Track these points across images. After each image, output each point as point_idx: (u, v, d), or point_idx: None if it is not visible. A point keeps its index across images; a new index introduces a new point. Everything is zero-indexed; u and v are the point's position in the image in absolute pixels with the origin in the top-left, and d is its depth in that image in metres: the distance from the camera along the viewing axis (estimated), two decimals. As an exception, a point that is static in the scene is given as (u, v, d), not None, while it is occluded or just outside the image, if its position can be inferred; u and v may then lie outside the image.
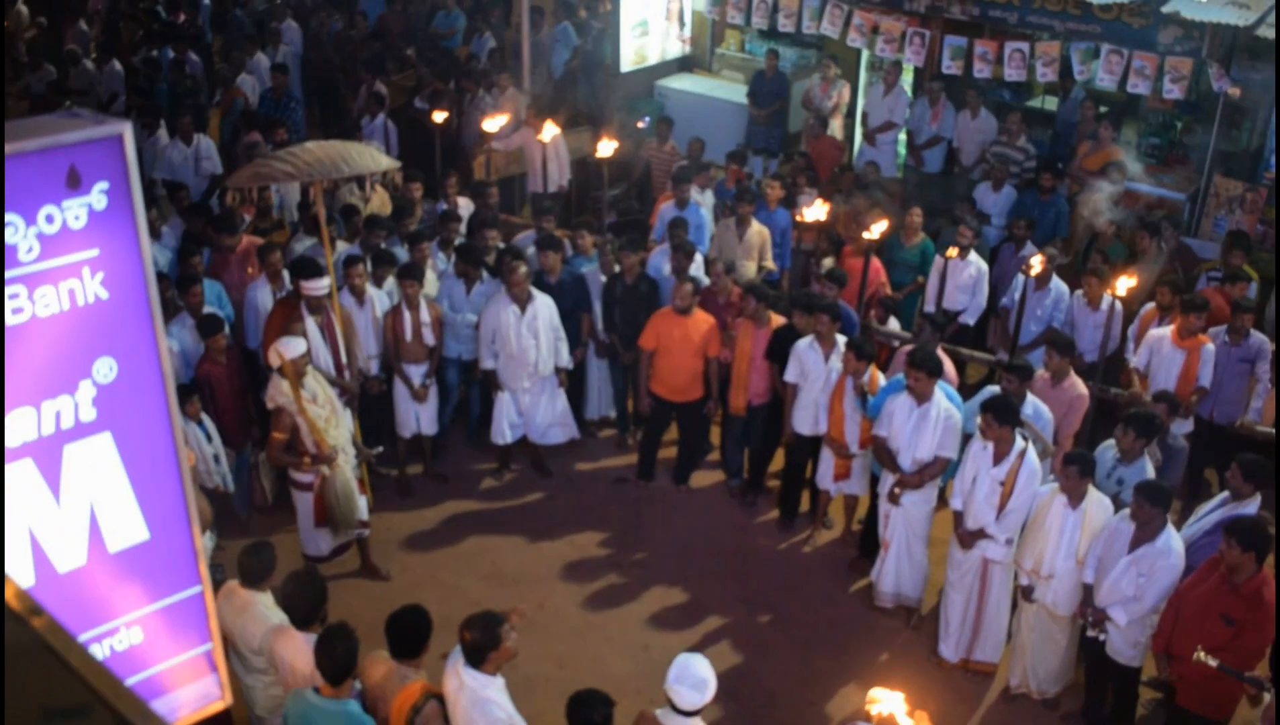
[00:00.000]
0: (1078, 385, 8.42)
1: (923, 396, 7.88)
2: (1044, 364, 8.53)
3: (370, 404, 9.34)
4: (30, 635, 1.37)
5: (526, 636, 5.66)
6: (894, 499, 8.10)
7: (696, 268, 10.09)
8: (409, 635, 5.58)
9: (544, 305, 9.33)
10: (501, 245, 10.21)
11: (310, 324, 8.53)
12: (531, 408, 9.66)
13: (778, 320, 9.21)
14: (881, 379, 8.56)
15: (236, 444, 8.89)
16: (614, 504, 9.74)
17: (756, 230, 10.94)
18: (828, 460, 8.88)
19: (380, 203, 11.24)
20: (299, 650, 5.69)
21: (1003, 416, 7.35)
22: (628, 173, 13.79)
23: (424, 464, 9.95)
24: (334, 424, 7.97)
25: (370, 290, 9.32)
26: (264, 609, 6.07)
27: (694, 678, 5.27)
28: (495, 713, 5.29)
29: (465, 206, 11.18)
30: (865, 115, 13.80)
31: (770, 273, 10.90)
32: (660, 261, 10.27)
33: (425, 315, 9.24)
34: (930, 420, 7.87)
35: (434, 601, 6.02)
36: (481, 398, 10.07)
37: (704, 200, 11.68)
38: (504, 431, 9.70)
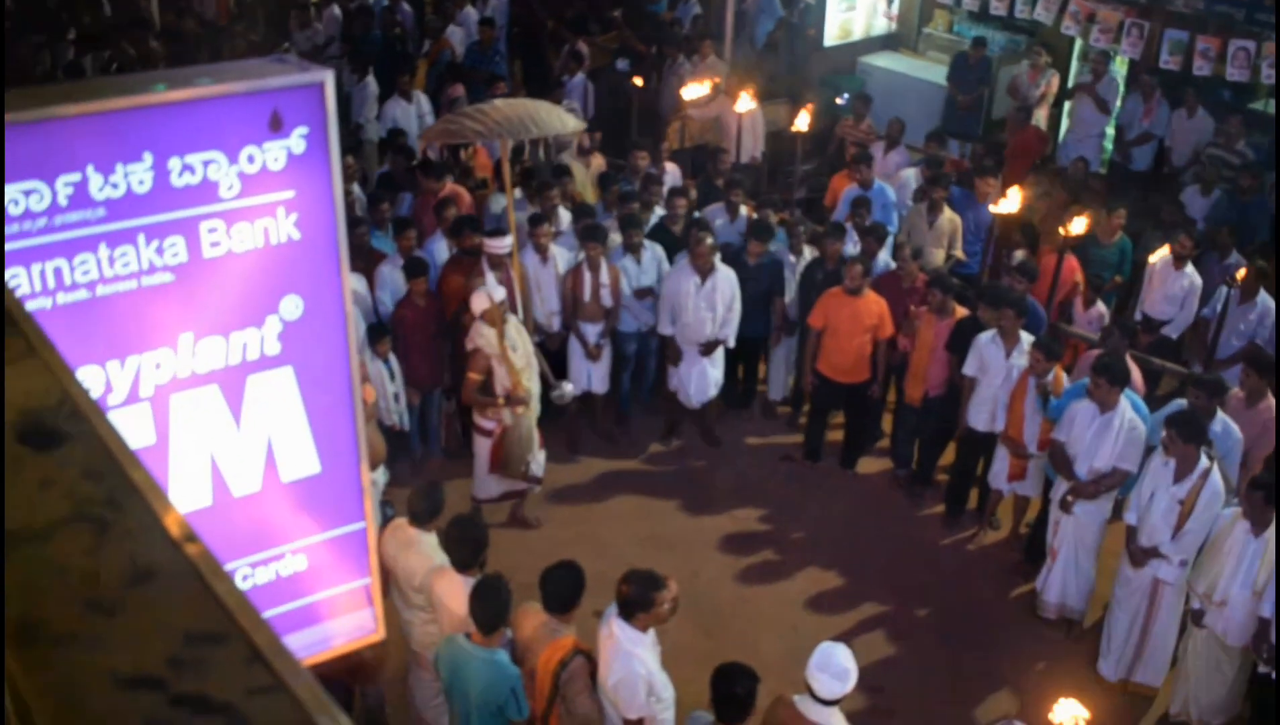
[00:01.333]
0: (1274, 407, 7.97)
1: (1106, 404, 7.57)
2: (1240, 382, 8.10)
3: (550, 358, 9.45)
4: (182, 561, 1.42)
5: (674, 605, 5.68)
6: (1066, 507, 7.82)
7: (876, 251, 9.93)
8: (562, 590, 5.66)
9: (724, 278, 9.29)
10: (694, 214, 10.20)
11: (490, 279, 8.69)
12: (697, 373, 9.65)
13: (961, 312, 8.98)
14: (1067, 381, 8.28)
15: (424, 387, 9.13)
16: (778, 481, 9.69)
17: (948, 217, 10.68)
18: (1002, 458, 8.64)
19: (599, 165, 11.36)
20: (456, 593, 5.82)
21: (1187, 433, 7.01)
22: (823, 148, 13.62)
23: (594, 421, 10.06)
24: (528, 375, 8.15)
25: (554, 249, 9.45)
26: (428, 548, 6.23)
27: (836, 667, 5.21)
28: (635, 667, 5.36)
29: (673, 173, 11.21)
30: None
31: (963, 263, 10.64)
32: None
33: (605, 277, 9.31)
34: (1113, 429, 7.56)
35: (589, 559, 6.09)
36: (658, 363, 10.10)
37: (908, 179, 11.43)
38: (679, 387, 9.74)
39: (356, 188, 10.46)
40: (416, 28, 15.94)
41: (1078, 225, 9.27)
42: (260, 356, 3.56)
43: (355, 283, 8.75)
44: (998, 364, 8.46)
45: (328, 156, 3.46)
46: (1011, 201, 9.36)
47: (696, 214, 10.21)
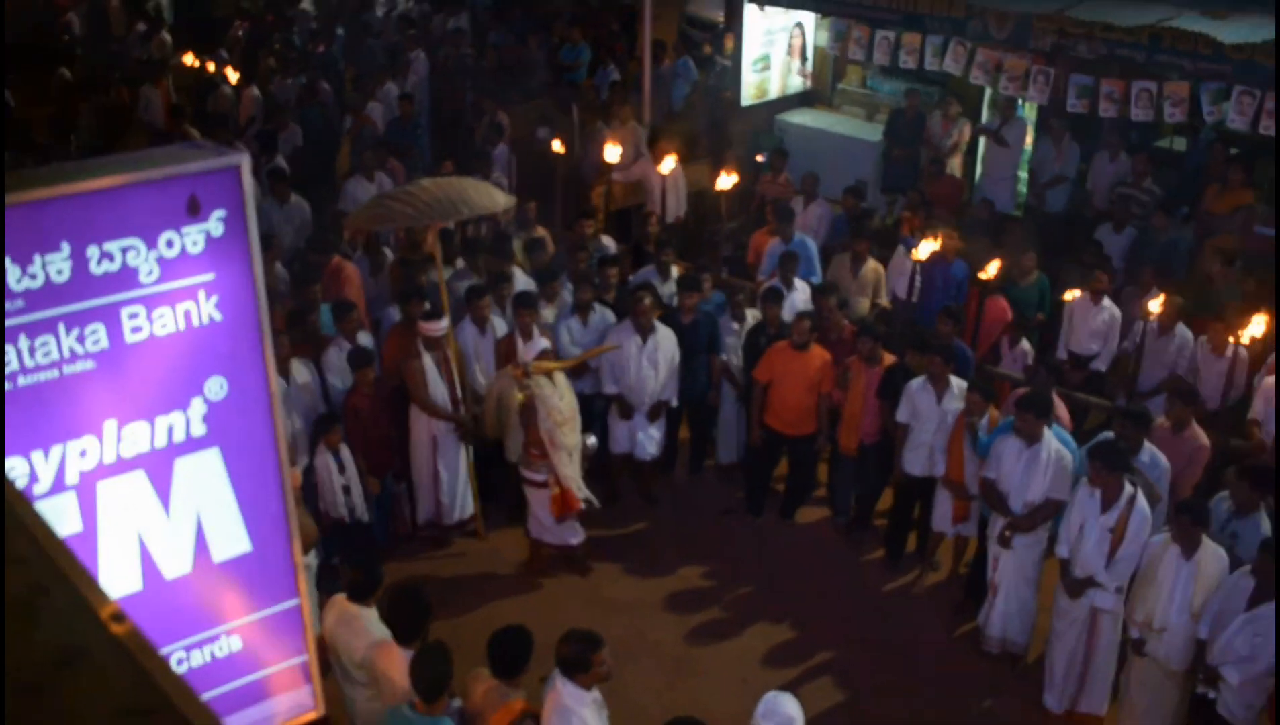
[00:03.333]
0: (1199, 435, 8.17)
1: (1032, 437, 7.75)
2: (1165, 412, 8.31)
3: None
4: (111, 640, 1.45)
5: (625, 665, 5.71)
6: (1004, 542, 7.96)
7: (805, 301, 10.09)
8: (509, 654, 5.67)
9: (665, 337, 9.42)
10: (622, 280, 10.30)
11: (427, 360, 8.81)
12: (640, 433, 9.73)
13: (889, 358, 9.15)
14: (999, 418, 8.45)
15: (379, 473, 9.04)
16: (719, 536, 9.75)
17: (872, 267, 10.90)
18: (944, 502, 8.78)
19: (542, 235, 11.44)
20: (399, 666, 5.78)
21: (1111, 462, 7.19)
22: (745, 206, 13.83)
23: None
24: (571, 427, 8.52)
25: (495, 319, 9.54)
26: (368, 624, 6.19)
27: (781, 715, 5.25)
28: (574, 723, 5.36)
29: (609, 243, 11.39)
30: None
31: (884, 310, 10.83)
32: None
33: (538, 343, 9.35)
34: (1040, 462, 7.73)
35: (535, 623, 6.09)
36: (601, 427, 10.10)
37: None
38: (620, 443, 9.82)
39: (280, 267, 10.47)
40: (337, 105, 16.03)
41: (991, 268, 9.52)
42: (186, 438, 3.58)
43: (302, 369, 8.76)
44: (929, 409, 8.62)
45: (246, 237, 3.51)
46: (926, 248, 9.59)
47: (631, 278, 10.33)
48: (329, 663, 6.31)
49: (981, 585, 8.55)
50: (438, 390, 8.90)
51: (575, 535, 9.04)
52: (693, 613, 8.84)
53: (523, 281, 10.19)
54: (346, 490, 8.55)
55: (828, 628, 8.70)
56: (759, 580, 9.21)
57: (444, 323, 8.79)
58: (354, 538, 8.58)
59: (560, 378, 8.59)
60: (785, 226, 11.18)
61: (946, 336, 9.07)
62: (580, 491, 8.72)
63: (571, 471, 8.63)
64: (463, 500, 9.40)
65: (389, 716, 5.63)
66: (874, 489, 9.62)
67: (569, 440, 8.56)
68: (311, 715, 3.91)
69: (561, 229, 11.76)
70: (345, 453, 8.58)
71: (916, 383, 8.69)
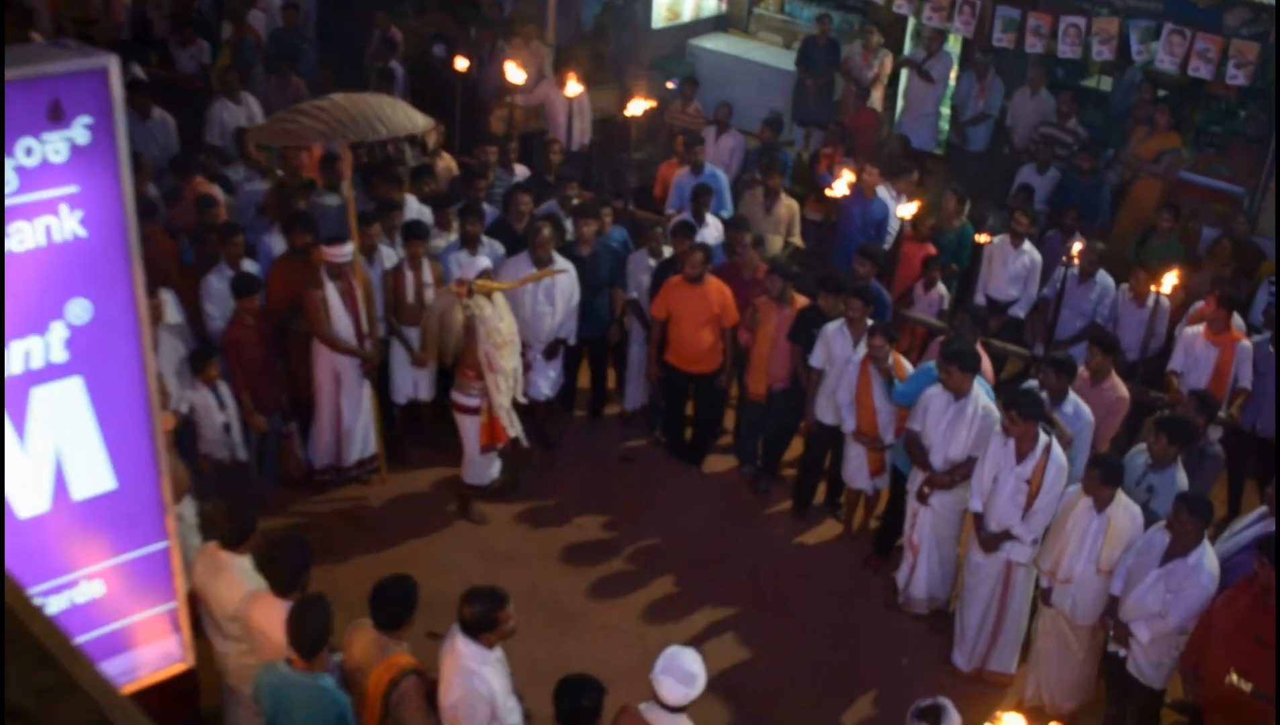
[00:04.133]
0: (1118, 387, 8.38)
1: (959, 391, 7.87)
2: (1085, 362, 8.49)
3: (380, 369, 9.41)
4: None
5: (519, 617, 5.72)
6: (923, 498, 8.11)
7: (716, 237, 10.12)
8: (393, 606, 5.63)
9: (561, 265, 9.36)
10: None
11: (330, 290, 8.65)
12: (535, 372, 9.71)
13: (801, 300, 9.22)
14: (906, 365, 8.58)
15: (268, 413, 8.92)
16: (619, 485, 9.80)
17: (786, 204, 10.96)
18: (857, 457, 8.88)
19: (446, 167, 11.29)
20: (275, 619, 5.72)
21: (1027, 411, 7.34)
22: (654, 136, 13.79)
23: (420, 432, 10.04)
24: (509, 352, 8.61)
25: (383, 249, 9.44)
26: (241, 573, 6.11)
27: (681, 671, 5.31)
28: (477, 685, 5.39)
29: (522, 172, 11.29)
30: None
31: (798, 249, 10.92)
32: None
33: (427, 275, 9.29)
34: (966, 417, 7.84)
35: (423, 574, 6.07)
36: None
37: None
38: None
39: (152, 188, 10.21)
40: (215, 9, 15.58)
41: (907, 209, 9.64)
42: (45, 365, 3.48)
43: (171, 298, 8.54)
44: (845, 355, 8.70)
45: (114, 148, 3.40)
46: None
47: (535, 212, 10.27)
48: (199, 616, 6.26)
49: (890, 539, 8.72)
50: (342, 323, 8.74)
51: (483, 477, 9.07)
52: (590, 565, 8.90)
53: (415, 210, 10.09)
54: (227, 428, 8.43)
55: (731, 581, 8.81)
56: (659, 531, 9.29)
57: (349, 247, 8.64)
58: (233, 480, 8.46)
59: (500, 300, 8.61)
60: (695, 158, 11.19)
61: (865, 277, 9.16)
62: (512, 427, 8.79)
63: (504, 399, 8.69)
64: (364, 439, 9.31)
65: (264, 673, 5.58)
66: (783, 437, 9.73)
67: (507, 364, 8.62)
68: (180, 667, 3.85)
69: (459, 154, 11.62)
70: (224, 389, 8.44)
71: (833, 326, 8.77)
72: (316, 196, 10.23)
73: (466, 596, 5.54)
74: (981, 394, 7.91)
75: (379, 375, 9.31)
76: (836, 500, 9.52)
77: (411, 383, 9.64)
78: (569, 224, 10.03)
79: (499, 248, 9.69)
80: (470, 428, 8.83)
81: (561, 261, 9.37)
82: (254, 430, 8.84)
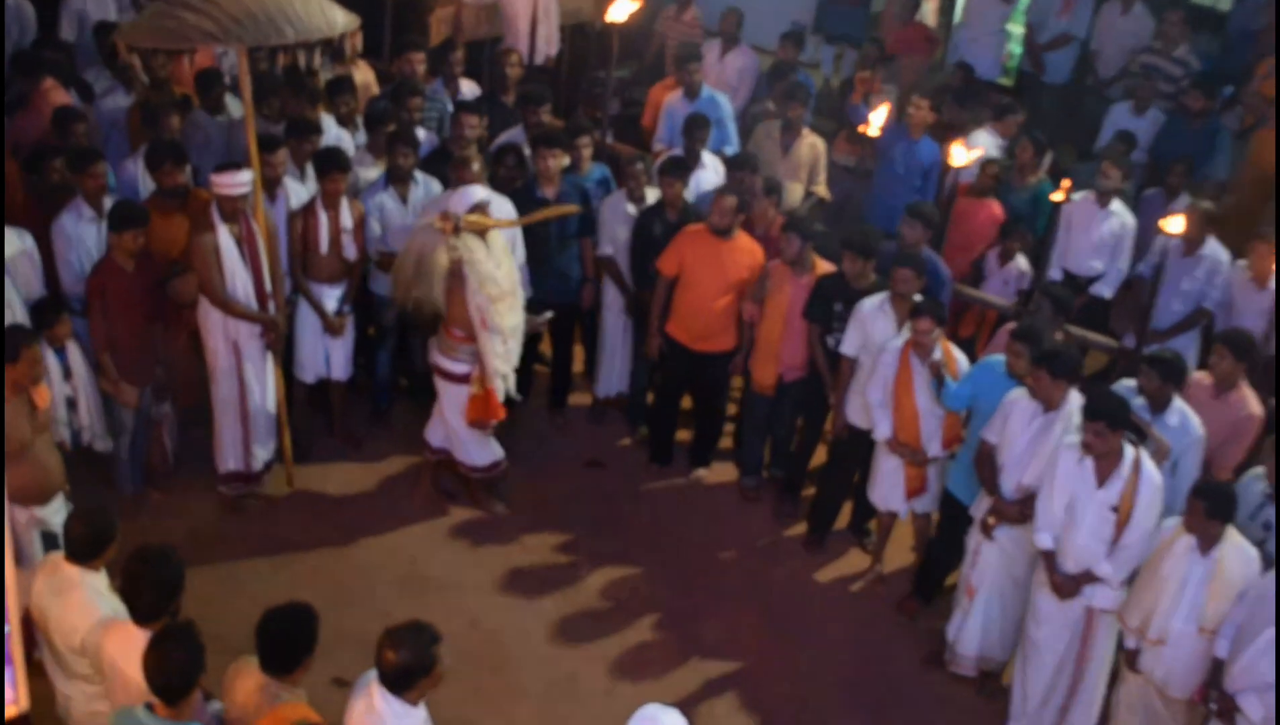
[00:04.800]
0: (1249, 401, 8.13)
1: (1049, 402, 7.73)
2: (1211, 366, 8.27)
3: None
4: None
5: (450, 663, 5.67)
6: (986, 531, 8.05)
7: (716, 181, 10.08)
8: (286, 643, 5.57)
9: (502, 208, 9.14)
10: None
11: (224, 235, 8.52)
12: None
13: (825, 267, 9.16)
14: (959, 357, 8.54)
15: (140, 386, 8.81)
16: (586, 497, 9.79)
17: (808, 143, 10.94)
18: (891, 473, 8.81)
19: (364, 80, 11.21)
20: (134, 653, 5.64)
21: (1115, 421, 7.20)
22: (639, 51, 13.73)
23: (330, 420, 10.01)
24: (509, 305, 8.65)
25: (289, 183, 9.37)
26: (93, 594, 6.04)
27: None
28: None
29: (470, 89, 11.26)
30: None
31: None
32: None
33: (347, 218, 9.23)
34: (1053, 437, 7.65)
35: (328, 603, 6.01)
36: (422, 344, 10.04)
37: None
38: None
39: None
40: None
41: (959, 155, 9.56)
42: None
43: (17, 241, 8.44)
44: (886, 340, 8.61)
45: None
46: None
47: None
48: (36, 647, 6.19)
49: (933, 578, 8.67)
50: (239, 278, 8.59)
51: (488, 454, 9.12)
52: (544, 599, 8.85)
53: (334, 136, 10.04)
54: (72, 404, 8.32)
55: (725, 629, 8.77)
56: (637, 559, 9.26)
57: (246, 175, 8.48)
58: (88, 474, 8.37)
59: (499, 242, 8.62)
60: (691, 79, 11.12)
61: (914, 242, 9.11)
62: (511, 391, 8.90)
63: (503, 365, 8.73)
64: (270, 433, 9.27)
65: (117, 721, 5.52)
66: (805, 443, 9.70)
67: (505, 321, 8.62)
68: (11, 711, 3.78)
69: (388, 63, 11.55)
70: (75, 352, 8.34)
71: (871, 303, 8.70)
72: (195, 118, 10.15)
73: (389, 637, 5.44)
74: (1077, 412, 7.60)
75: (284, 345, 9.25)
76: (864, 525, 9.50)
77: (323, 356, 9.58)
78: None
79: (435, 187, 9.65)
80: (455, 399, 8.84)
81: (502, 205, 9.16)
82: (120, 404, 8.73)
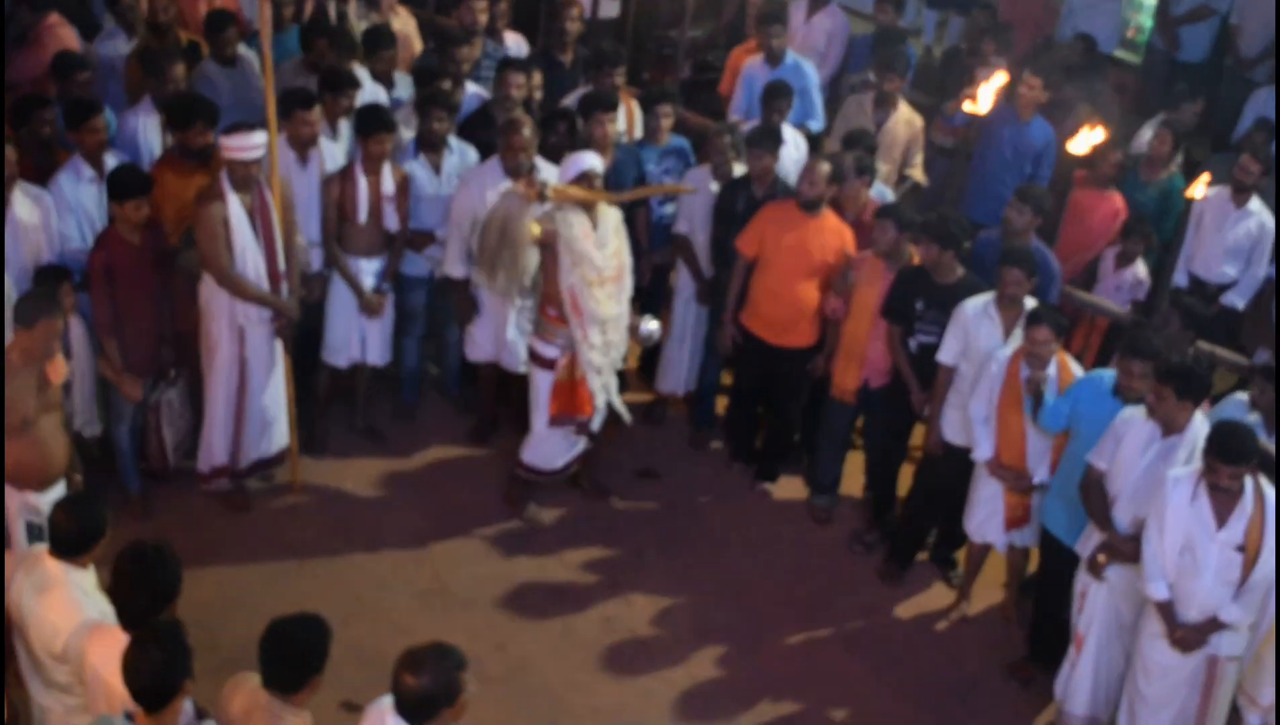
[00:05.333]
0: None
1: (1170, 425, 7.59)
2: None
3: (307, 316, 9.29)
4: None
5: (474, 690, 5.64)
6: (1095, 571, 7.93)
7: (798, 160, 10.02)
8: (292, 658, 5.55)
9: (551, 179, 9.10)
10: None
11: (234, 204, 8.47)
12: (512, 331, 9.67)
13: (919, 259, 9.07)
14: (1076, 371, 8.42)
15: (146, 373, 8.82)
16: (635, 509, 9.78)
17: (905, 119, 10.91)
18: (990, 499, 8.71)
19: (404, 30, 11.25)
20: (120, 659, 5.69)
21: (1239, 454, 7.02)
22: (716, 8, 13.70)
23: (355, 410, 10.04)
24: (613, 291, 8.72)
25: (324, 144, 9.37)
26: (78, 594, 6.04)
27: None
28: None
29: (516, 44, 11.27)
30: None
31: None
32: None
33: (389, 184, 9.23)
34: (1173, 464, 7.52)
35: (341, 616, 6.05)
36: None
37: None
38: (483, 348, 9.81)
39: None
40: None
41: (1080, 143, 9.44)
42: None
43: (28, 202, 8.49)
44: (991, 348, 8.52)
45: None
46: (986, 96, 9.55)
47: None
48: (11, 651, 6.22)
49: (1052, 639, 8.44)
50: (249, 255, 8.56)
51: (555, 459, 9.18)
52: (583, 621, 8.83)
53: (370, 92, 10.06)
54: (66, 388, 8.28)
55: (795, 662, 8.72)
56: (691, 583, 9.21)
57: (259, 138, 8.42)
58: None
59: (610, 218, 8.63)
60: (774, 42, 11.10)
61: (1024, 233, 9.04)
62: (606, 394, 8.93)
63: (599, 357, 8.79)
64: (271, 429, 9.22)
65: (98, 728, 5.54)
66: (889, 461, 9.63)
67: (605, 309, 8.67)
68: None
69: (434, 12, 11.56)
70: (77, 329, 8.33)
71: (975, 305, 8.61)
72: (204, 69, 10.17)
73: (409, 659, 5.39)
74: (1202, 434, 7.47)
75: (305, 324, 9.23)
76: (950, 555, 9.43)
77: (359, 339, 9.59)
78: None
79: (472, 155, 9.68)
80: (540, 387, 8.89)
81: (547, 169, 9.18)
82: (125, 398, 8.73)
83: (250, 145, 8.38)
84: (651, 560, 9.36)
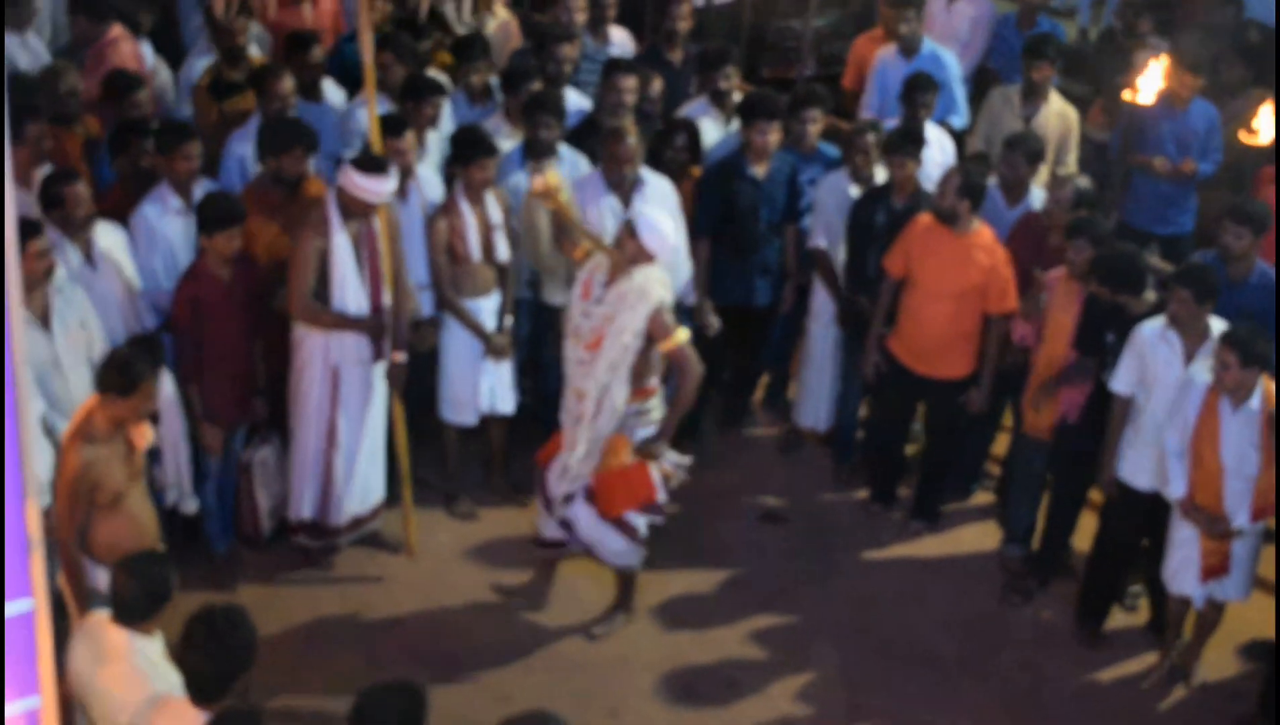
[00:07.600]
0: None
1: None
2: None
3: (417, 368, 9.29)
4: None
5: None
6: None
7: (942, 163, 9.97)
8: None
9: (660, 194, 9.23)
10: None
11: (340, 241, 8.49)
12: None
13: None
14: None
15: (226, 423, 8.85)
16: (755, 555, 9.75)
17: (1057, 111, 10.88)
18: (1184, 544, 8.51)
19: (501, 30, 11.30)
20: (191, 738, 5.75)
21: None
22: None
23: (490, 468, 10.04)
24: (584, 366, 8.25)
25: (422, 173, 9.38)
26: (144, 663, 6.11)
27: None
28: None
29: (621, 42, 11.33)
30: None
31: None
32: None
33: (495, 211, 9.24)
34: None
35: (440, 686, 6.04)
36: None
37: None
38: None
39: (34, 40, 10.31)
40: None
41: (1261, 130, 9.32)
42: None
43: (112, 239, 8.56)
44: (1171, 377, 8.39)
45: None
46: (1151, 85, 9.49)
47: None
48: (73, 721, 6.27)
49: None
50: (349, 288, 8.58)
51: (630, 556, 8.81)
52: (701, 688, 8.74)
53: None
54: (154, 456, 8.18)
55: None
56: (831, 647, 9.10)
57: (390, 183, 8.46)
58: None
59: (633, 278, 8.18)
60: (910, 30, 11.07)
61: (1242, 254, 8.84)
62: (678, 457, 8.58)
63: (569, 431, 8.49)
64: (367, 485, 9.20)
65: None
66: (1069, 503, 9.47)
67: (570, 371, 8.40)
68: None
69: (529, 9, 11.64)
70: (165, 384, 8.13)
71: (1152, 329, 8.43)
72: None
73: None
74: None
75: (415, 378, 9.21)
76: (1161, 618, 9.15)
77: (487, 387, 9.56)
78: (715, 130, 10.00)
79: (583, 163, 9.71)
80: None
81: (655, 186, 9.26)
82: (205, 452, 8.73)
83: (385, 189, 8.41)
84: (777, 620, 9.28)
